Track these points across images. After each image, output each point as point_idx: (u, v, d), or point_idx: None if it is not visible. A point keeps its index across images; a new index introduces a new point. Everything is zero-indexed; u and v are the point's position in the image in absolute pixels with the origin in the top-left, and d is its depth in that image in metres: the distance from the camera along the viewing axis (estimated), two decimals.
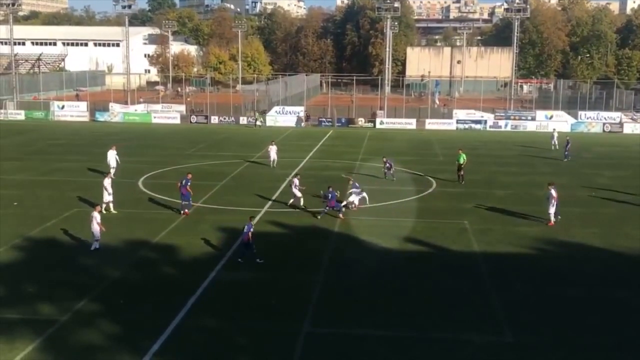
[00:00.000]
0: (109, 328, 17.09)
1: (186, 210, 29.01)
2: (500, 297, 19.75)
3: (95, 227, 23.12)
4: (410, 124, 70.59)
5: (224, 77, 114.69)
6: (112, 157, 37.30)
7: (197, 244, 24.50)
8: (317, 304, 19.09)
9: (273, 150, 42.13)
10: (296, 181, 30.91)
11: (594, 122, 69.79)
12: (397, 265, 22.80)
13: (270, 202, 31.62)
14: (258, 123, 68.93)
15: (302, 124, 70.28)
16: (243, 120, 71.07)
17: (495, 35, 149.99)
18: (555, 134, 54.11)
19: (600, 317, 18.50)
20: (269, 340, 16.63)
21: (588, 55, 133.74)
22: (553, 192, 27.54)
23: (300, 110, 72.47)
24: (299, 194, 30.50)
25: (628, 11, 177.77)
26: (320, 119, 71.85)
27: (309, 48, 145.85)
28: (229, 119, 72.34)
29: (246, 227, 22.43)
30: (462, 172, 37.08)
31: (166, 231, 26.34)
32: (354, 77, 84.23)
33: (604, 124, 69.54)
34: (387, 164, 37.92)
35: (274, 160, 42.00)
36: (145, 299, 19.14)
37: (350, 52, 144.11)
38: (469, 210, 30.27)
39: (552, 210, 27.78)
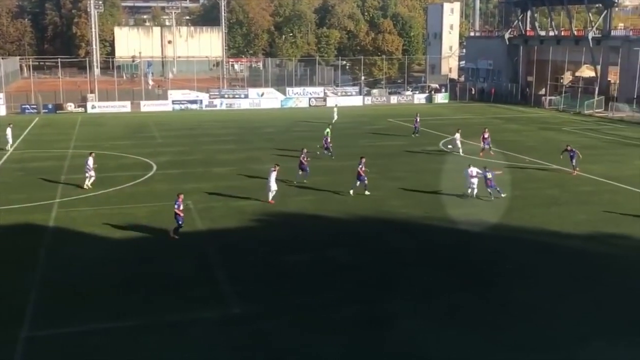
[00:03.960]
0: None
1: None
2: (226, 271, 20.36)
3: None
4: (125, 106, 68.64)
5: None
6: None
7: None
8: (35, 305, 17.72)
9: (9, 132, 43.50)
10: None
11: (301, 97, 74.83)
12: (121, 253, 22.18)
13: None
14: None
15: None
16: None
17: (204, 15, 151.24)
18: (335, 109, 58.48)
19: (320, 277, 20.08)
20: None
21: (291, 34, 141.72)
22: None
23: None
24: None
25: None
26: (23, 106, 66.16)
27: (4, 29, 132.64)
28: None
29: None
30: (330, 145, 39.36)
31: None
32: (59, 60, 78.93)
33: (309, 98, 74.92)
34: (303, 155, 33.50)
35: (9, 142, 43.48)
36: None
37: (53, 33, 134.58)
38: (191, 190, 30.36)
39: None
